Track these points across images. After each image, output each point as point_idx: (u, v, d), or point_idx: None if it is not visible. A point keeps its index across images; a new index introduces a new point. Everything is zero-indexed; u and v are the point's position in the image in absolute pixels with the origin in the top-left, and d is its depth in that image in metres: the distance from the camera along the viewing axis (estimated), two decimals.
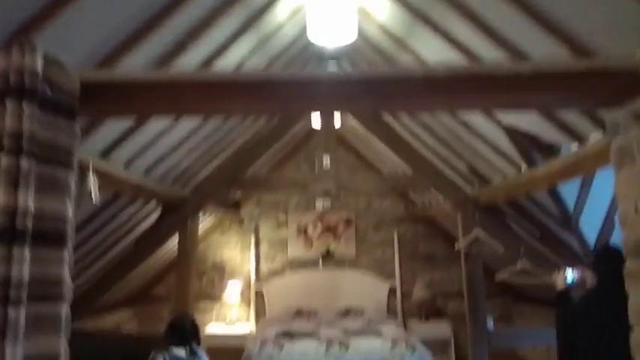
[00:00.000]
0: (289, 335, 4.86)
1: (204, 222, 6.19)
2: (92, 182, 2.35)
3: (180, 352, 2.64)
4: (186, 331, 2.72)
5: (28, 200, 1.13)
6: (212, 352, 5.88)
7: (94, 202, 2.36)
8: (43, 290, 1.17)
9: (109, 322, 5.62)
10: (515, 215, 4.16)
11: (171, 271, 6.02)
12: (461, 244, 4.08)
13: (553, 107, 2.47)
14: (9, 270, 1.06)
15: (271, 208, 6.75)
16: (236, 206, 6.62)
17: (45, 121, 1.19)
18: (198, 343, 2.75)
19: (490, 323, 4.18)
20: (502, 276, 3.99)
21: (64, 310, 1.20)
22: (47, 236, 1.18)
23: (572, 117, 2.64)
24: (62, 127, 1.24)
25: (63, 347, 1.21)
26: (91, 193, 2.35)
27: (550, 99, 1.74)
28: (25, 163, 1.12)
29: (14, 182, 1.11)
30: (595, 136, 2.65)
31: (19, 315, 1.05)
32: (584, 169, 2.69)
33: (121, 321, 5.97)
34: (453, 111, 2.97)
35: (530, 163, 3.33)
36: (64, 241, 1.22)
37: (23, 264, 1.09)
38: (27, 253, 1.11)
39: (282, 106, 1.81)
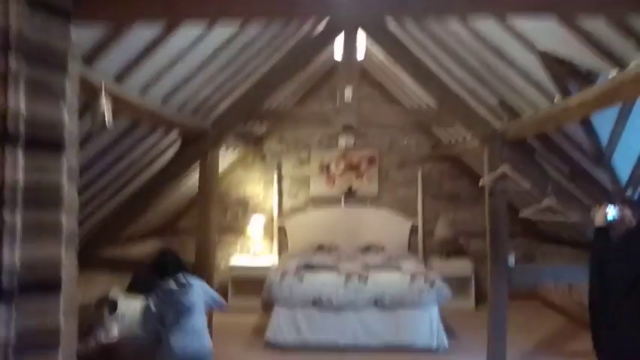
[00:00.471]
0: (310, 267, 4.94)
1: (228, 157, 6.20)
2: (105, 105, 2.32)
3: (170, 284, 2.68)
4: (167, 265, 2.74)
5: (19, 102, 1.08)
6: (236, 282, 6.11)
7: (107, 126, 2.34)
8: (41, 197, 1.14)
9: (137, 251, 5.83)
10: (545, 151, 3.98)
11: (196, 205, 6.12)
12: (486, 180, 3.95)
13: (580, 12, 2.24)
14: (2, 173, 1.03)
15: (294, 145, 6.70)
16: (259, 143, 6.59)
17: (35, 20, 1.12)
18: (187, 272, 2.78)
19: (512, 259, 4.12)
20: (527, 213, 3.88)
21: (65, 218, 1.18)
22: (42, 142, 1.14)
23: (614, 40, 2.42)
24: (55, 28, 1.17)
25: (65, 257, 1.20)
26: (104, 116, 2.32)
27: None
28: (13, 62, 1.06)
29: (3, 83, 1.05)
30: (638, 61, 2.43)
31: (15, 219, 1.03)
32: (623, 96, 2.49)
33: (149, 252, 6.18)
34: (473, 14, 2.72)
35: (565, 93, 3.12)
36: (61, 147, 1.18)
37: (17, 167, 1.06)
38: (20, 157, 1.07)
39: (289, 7, 1.67)
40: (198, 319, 2.76)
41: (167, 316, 2.63)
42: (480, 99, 4.07)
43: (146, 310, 2.65)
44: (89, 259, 4.33)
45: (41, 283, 1.12)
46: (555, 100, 3.23)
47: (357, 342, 4.55)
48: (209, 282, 3.96)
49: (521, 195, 5.14)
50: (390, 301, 4.56)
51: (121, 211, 4.35)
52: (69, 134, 1.33)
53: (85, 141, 3.05)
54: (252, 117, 4.30)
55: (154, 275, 2.75)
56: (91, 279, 4.92)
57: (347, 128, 4.57)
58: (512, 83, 3.52)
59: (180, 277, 2.73)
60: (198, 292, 2.79)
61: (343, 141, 6.49)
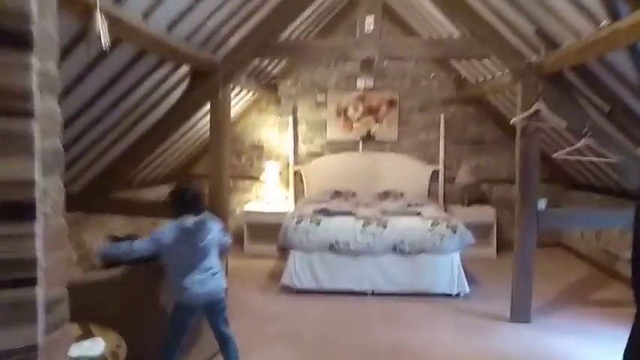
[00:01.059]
0: (326, 213, 4.78)
1: (242, 101, 5.96)
2: (100, 23, 2.08)
3: (188, 221, 2.55)
4: (187, 201, 2.60)
5: None
6: (251, 228, 6.01)
7: (103, 48, 2.10)
8: (4, 102, 0.93)
9: (150, 195, 5.73)
10: (583, 86, 3.64)
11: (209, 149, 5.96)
12: (518, 119, 3.66)
13: None
14: None
15: (310, 87, 6.39)
16: (273, 85, 6.30)
17: None
18: (201, 211, 2.62)
19: (542, 203, 3.89)
20: (562, 153, 3.61)
21: (38, 132, 0.97)
22: (3, 35, 0.92)
23: None
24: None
25: (46, 181, 1.01)
26: (100, 36, 2.08)
27: None
28: None
29: None
30: None
31: None
32: None
33: (162, 196, 6.08)
34: None
35: (615, 17, 2.76)
36: (28, 42, 0.96)
37: None
38: None
39: None
40: (214, 259, 2.64)
41: (181, 252, 2.51)
42: (515, 28, 3.70)
43: (156, 231, 2.54)
44: (101, 201, 4.23)
45: (7, 205, 0.94)
46: (602, 25, 2.87)
47: (375, 288, 4.44)
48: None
49: (552, 136, 4.83)
50: (410, 247, 4.41)
51: (131, 153, 4.18)
52: (44, 35, 1.10)
53: (88, 71, 2.84)
54: (265, 51, 4.00)
55: (174, 208, 2.60)
56: (105, 222, 4.86)
57: (366, 64, 4.23)
58: (553, 7, 3.15)
59: (199, 215, 2.58)
60: (216, 232, 2.66)
61: (362, 82, 6.18)
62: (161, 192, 5.95)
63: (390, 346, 3.46)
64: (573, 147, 3.59)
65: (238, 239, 6.18)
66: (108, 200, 4.27)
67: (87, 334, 2.29)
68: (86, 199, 4.18)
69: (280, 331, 3.69)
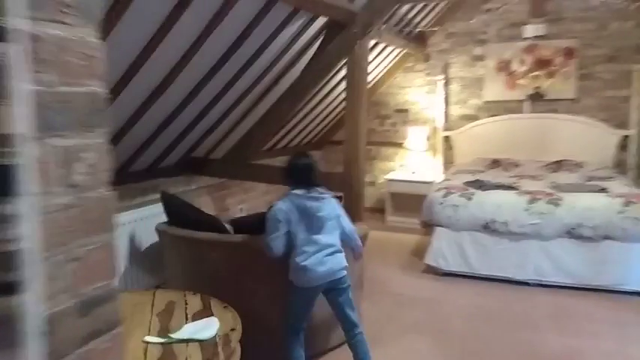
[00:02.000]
0: (481, 185, 4.07)
1: (386, 60, 5.42)
2: None
3: (299, 191, 2.24)
4: (299, 171, 2.29)
5: None
6: (394, 198, 5.55)
7: None
8: None
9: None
10: None
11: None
12: None
13: None
14: None
15: (465, 39, 5.55)
16: (421, 40, 5.61)
17: None
18: (315, 185, 2.27)
19: None
20: None
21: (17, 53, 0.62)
22: None
23: None
24: None
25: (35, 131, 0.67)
26: None
27: None
28: None
29: None
30: None
31: None
32: None
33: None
34: None
35: None
36: None
37: None
38: None
39: None
40: (334, 238, 2.28)
41: (295, 224, 2.20)
42: None
43: (272, 212, 2.25)
44: (242, 167, 4.17)
45: None
46: None
47: (542, 278, 3.66)
48: (357, 199, 3.45)
49: None
50: (592, 232, 3.51)
51: (268, 118, 4.01)
52: None
53: (213, 24, 2.62)
54: None
55: (286, 179, 2.31)
56: (248, 188, 4.85)
57: (538, 4, 3.35)
58: None
59: (313, 187, 2.24)
60: (332, 207, 2.29)
61: (531, 29, 5.12)
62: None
63: (558, 356, 2.74)
64: None
65: (380, 210, 5.80)
66: (249, 167, 4.18)
67: (205, 311, 2.12)
68: (229, 166, 4.16)
69: (420, 319, 3.21)
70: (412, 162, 5.77)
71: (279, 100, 3.90)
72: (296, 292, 2.25)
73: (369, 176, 6.14)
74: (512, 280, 3.72)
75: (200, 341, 1.83)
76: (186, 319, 2.04)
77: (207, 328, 1.93)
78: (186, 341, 1.83)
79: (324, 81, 4.19)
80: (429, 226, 4.12)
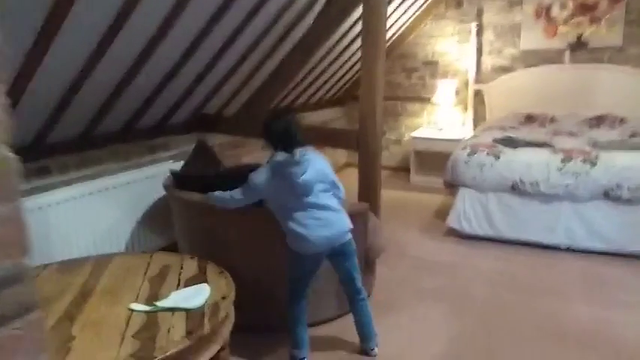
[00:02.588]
0: (510, 143, 3.77)
1: (413, 8, 5.03)
2: None
3: (279, 156, 2.06)
4: (276, 135, 2.08)
5: None
6: (419, 157, 5.29)
7: None
8: None
9: (319, 117, 5.42)
10: None
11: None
12: None
13: None
14: None
15: None
16: None
17: None
18: (297, 146, 2.06)
19: None
20: None
21: None
22: None
23: None
24: None
25: None
26: None
27: None
28: None
29: None
30: None
31: None
32: None
33: (331, 118, 5.73)
34: None
35: None
36: None
37: None
38: None
39: None
40: (327, 199, 2.09)
41: (280, 193, 2.06)
42: None
43: (249, 182, 2.10)
44: (256, 125, 3.98)
45: None
46: None
47: (574, 243, 3.40)
48: (374, 158, 3.23)
49: None
50: (632, 194, 3.20)
51: (279, 73, 3.78)
52: None
53: None
54: None
55: (267, 142, 2.12)
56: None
57: None
58: None
59: (295, 149, 2.03)
60: (321, 168, 2.09)
61: None
62: (325, 115, 5.58)
63: (590, 330, 2.52)
64: None
65: (406, 169, 5.56)
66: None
67: (200, 276, 2.01)
68: (242, 123, 3.98)
69: (440, 285, 3.04)
70: (440, 118, 5.45)
71: (290, 53, 3.65)
72: (296, 258, 2.11)
73: (395, 134, 5.87)
74: (540, 245, 3.48)
75: (187, 310, 1.73)
76: (178, 285, 1.95)
77: (197, 295, 1.82)
78: (173, 310, 1.73)
79: (340, 31, 3.89)
80: (452, 187, 3.87)
